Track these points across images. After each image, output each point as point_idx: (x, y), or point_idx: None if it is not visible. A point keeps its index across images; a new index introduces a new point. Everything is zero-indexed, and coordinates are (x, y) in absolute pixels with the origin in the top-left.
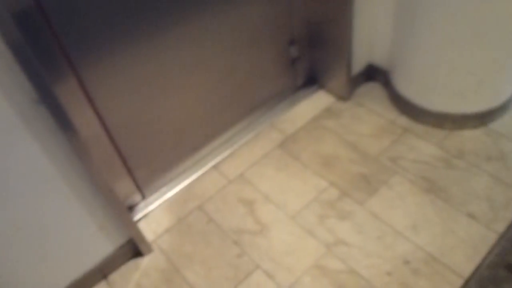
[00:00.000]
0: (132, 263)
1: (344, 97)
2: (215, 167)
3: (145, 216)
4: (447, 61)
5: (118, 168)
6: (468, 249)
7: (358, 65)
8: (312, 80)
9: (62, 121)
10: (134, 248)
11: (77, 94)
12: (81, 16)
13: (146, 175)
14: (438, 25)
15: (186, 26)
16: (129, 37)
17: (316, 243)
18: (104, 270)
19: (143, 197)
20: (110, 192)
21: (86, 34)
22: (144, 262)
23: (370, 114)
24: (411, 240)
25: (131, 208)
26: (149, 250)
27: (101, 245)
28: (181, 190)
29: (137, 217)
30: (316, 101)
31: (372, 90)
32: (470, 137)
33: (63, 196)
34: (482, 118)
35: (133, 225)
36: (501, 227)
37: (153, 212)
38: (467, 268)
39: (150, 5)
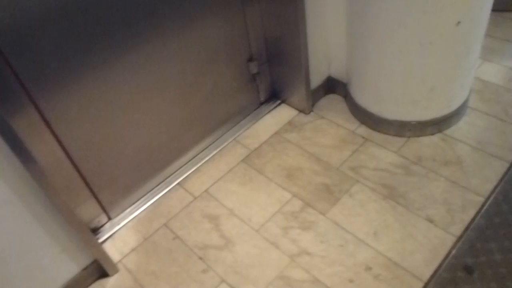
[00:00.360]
0: (98, 284)
1: (305, 110)
2: (180, 184)
3: (111, 236)
4: (399, 71)
5: (81, 191)
6: (427, 252)
7: (317, 79)
8: (274, 95)
9: (19, 151)
10: (99, 269)
11: (37, 123)
12: (36, 48)
13: (111, 196)
14: (387, 36)
15: (143, 48)
16: (86, 63)
17: (280, 254)
18: None
19: (109, 218)
20: (71, 215)
21: (42, 66)
22: (110, 282)
23: (331, 126)
24: (372, 246)
25: (96, 229)
26: (115, 270)
27: (65, 267)
28: (147, 209)
29: (103, 238)
30: (279, 115)
31: (333, 102)
32: (427, 143)
33: (23, 220)
34: (438, 125)
35: (97, 246)
36: (458, 230)
37: (119, 232)
38: (427, 271)
39: (105, 29)
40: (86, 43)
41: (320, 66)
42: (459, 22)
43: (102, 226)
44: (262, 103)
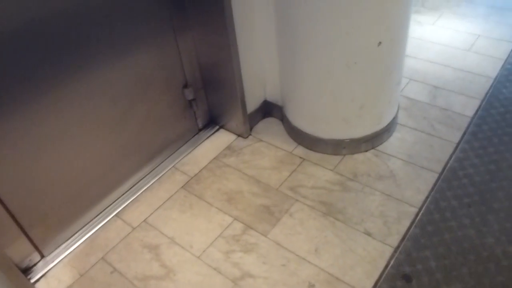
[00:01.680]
0: None
1: (244, 134)
2: (118, 215)
3: (44, 275)
4: (329, 91)
5: (10, 229)
6: (367, 265)
7: (253, 103)
8: (212, 121)
9: None
10: None
11: None
12: None
13: (44, 232)
14: (315, 58)
15: (73, 79)
16: (12, 96)
17: (223, 279)
18: None
19: (42, 255)
20: None
21: None
22: None
23: (269, 148)
24: (314, 263)
25: (28, 269)
26: None
27: None
28: (83, 243)
29: (35, 277)
30: (218, 141)
31: (270, 125)
32: (362, 160)
33: None
34: (371, 141)
35: (29, 286)
36: (395, 240)
37: (53, 270)
38: (368, 283)
39: (33, 61)
40: (13, 76)
41: (256, 90)
42: (380, 43)
43: (34, 265)
44: (200, 129)
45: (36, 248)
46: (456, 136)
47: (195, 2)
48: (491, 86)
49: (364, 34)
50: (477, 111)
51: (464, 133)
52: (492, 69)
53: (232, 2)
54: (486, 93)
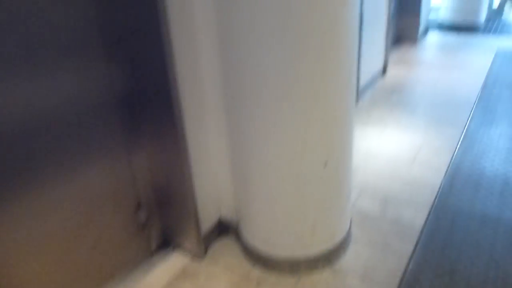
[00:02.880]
0: None
1: (199, 255)
2: None
3: None
4: (280, 211)
5: None
6: None
7: (208, 222)
8: (167, 241)
9: None
10: None
11: None
12: None
13: None
14: (266, 179)
15: (20, 201)
16: None
17: None
18: None
19: None
20: None
21: None
22: None
23: (225, 271)
24: None
25: None
26: None
27: None
28: None
29: None
30: (172, 264)
31: (226, 245)
32: (319, 279)
33: None
34: (327, 259)
35: None
36: None
37: None
38: None
39: None
40: None
41: (210, 209)
42: (326, 163)
43: None
44: (154, 251)
45: None
46: (408, 249)
47: (148, 118)
48: (436, 196)
49: (310, 154)
50: (426, 222)
51: (416, 245)
52: (436, 179)
53: (184, 119)
54: (433, 203)
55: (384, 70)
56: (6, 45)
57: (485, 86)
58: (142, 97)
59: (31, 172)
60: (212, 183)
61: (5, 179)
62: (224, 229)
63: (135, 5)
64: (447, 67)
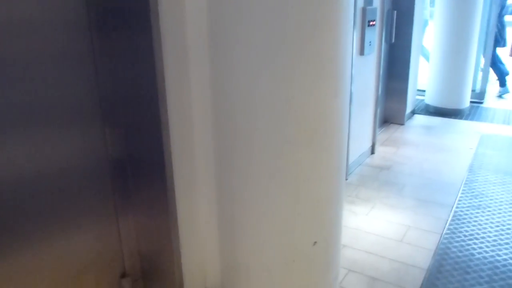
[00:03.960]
0: None
1: None
2: None
3: None
4: (268, 286)
5: None
6: None
7: None
8: None
9: None
10: None
11: None
12: None
13: None
14: (257, 254)
15: None
16: None
17: None
18: None
19: None
20: None
21: None
22: None
23: None
24: None
25: None
26: None
27: None
28: None
29: None
30: None
31: None
32: None
33: None
34: None
35: None
36: None
37: None
38: None
39: None
40: None
41: (196, 282)
42: (315, 242)
43: None
44: None
45: None
46: None
47: (140, 187)
48: (424, 278)
49: (299, 233)
50: None
51: None
52: (424, 260)
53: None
54: (421, 286)
55: (372, 149)
56: None
57: (471, 170)
58: (135, 165)
59: (9, 234)
60: (200, 254)
61: None
62: None
63: (133, 72)
64: (433, 149)
